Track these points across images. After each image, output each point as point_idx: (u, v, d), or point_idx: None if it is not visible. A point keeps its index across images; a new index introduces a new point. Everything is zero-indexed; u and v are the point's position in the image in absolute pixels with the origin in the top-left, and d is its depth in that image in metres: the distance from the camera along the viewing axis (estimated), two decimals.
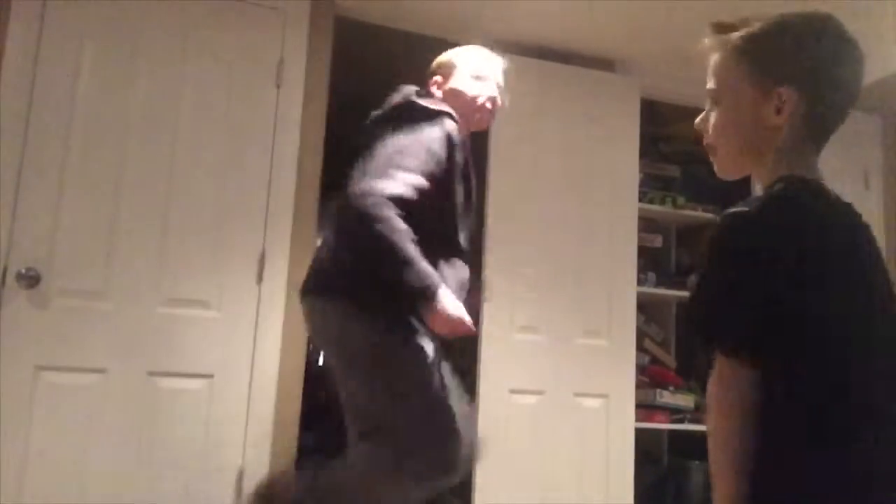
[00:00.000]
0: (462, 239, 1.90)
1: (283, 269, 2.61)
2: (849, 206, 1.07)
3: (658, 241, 3.69)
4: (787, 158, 1.09)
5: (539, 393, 2.97)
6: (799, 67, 1.07)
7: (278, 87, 2.69)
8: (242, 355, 2.54)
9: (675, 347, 3.75)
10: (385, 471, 1.71)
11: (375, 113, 1.99)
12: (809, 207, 1.01)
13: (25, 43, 2.40)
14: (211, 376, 2.49)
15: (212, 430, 2.47)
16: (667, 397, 3.38)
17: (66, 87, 2.43)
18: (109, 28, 2.50)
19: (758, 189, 1.15)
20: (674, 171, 3.70)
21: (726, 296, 0.97)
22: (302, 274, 1.91)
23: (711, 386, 0.97)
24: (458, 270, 1.85)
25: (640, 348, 3.40)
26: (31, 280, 2.31)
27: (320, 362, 4.16)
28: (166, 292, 2.48)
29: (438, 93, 2.01)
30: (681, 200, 3.57)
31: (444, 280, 1.73)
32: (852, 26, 1.12)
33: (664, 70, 3.38)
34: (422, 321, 1.73)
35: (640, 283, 3.25)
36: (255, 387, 2.53)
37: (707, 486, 3.42)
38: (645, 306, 3.52)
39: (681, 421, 3.39)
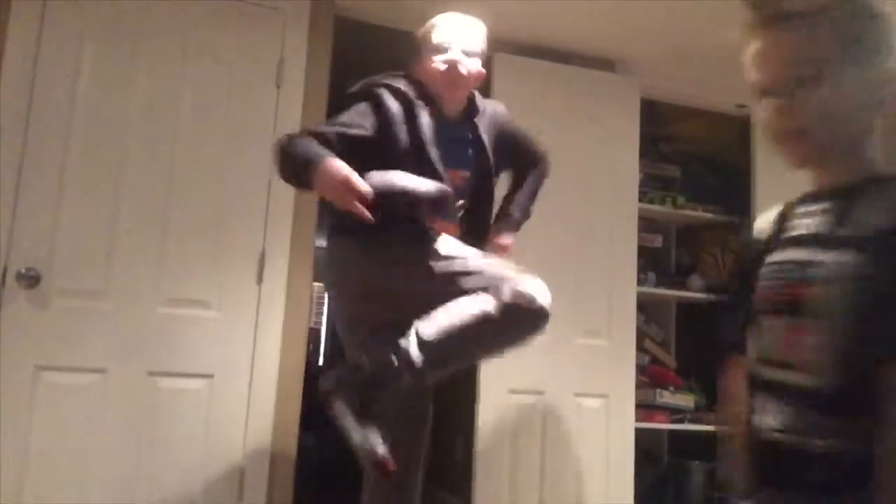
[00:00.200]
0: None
1: (283, 269, 2.61)
2: None
3: (658, 241, 3.69)
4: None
5: (539, 393, 2.97)
6: None
7: (278, 87, 2.69)
8: (242, 355, 2.54)
9: (675, 347, 3.76)
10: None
11: None
12: None
13: (25, 43, 2.40)
14: (211, 376, 2.49)
15: (212, 430, 2.47)
16: (667, 397, 3.38)
17: (66, 87, 2.43)
18: (109, 28, 2.50)
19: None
20: (674, 171, 3.70)
21: None
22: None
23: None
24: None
25: (640, 348, 3.41)
26: (31, 280, 2.31)
27: (320, 362, 4.16)
28: (166, 292, 2.48)
29: (418, 74, 2.00)
30: (681, 200, 3.57)
31: (399, 234, 1.82)
32: None
33: (664, 70, 3.38)
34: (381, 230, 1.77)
35: (640, 283, 3.25)
36: (255, 387, 2.53)
37: (707, 487, 3.43)
38: (645, 306, 3.52)
39: (681, 421, 3.40)
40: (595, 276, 3.10)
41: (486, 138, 2.03)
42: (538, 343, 3.02)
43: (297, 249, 2.63)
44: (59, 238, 2.38)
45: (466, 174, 2.00)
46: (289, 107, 2.69)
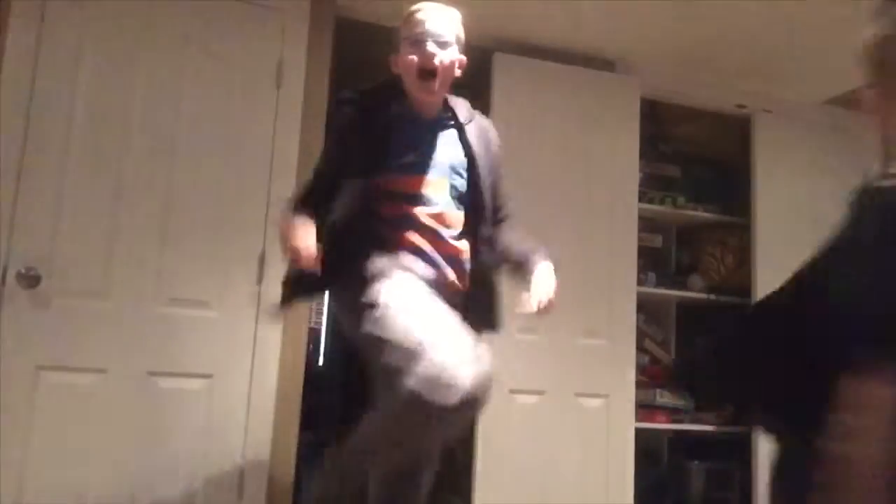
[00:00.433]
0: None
1: (283, 270, 2.61)
2: None
3: (658, 241, 3.69)
4: None
5: (539, 393, 2.97)
6: None
7: (278, 87, 2.69)
8: (242, 355, 2.54)
9: (675, 347, 3.76)
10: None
11: None
12: None
13: (25, 43, 2.40)
14: (211, 376, 2.49)
15: (212, 430, 2.47)
16: (667, 397, 3.39)
17: (66, 87, 2.43)
18: (109, 28, 2.50)
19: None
20: (674, 171, 3.70)
21: None
22: None
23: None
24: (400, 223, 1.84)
25: (640, 348, 3.41)
26: (31, 280, 2.31)
27: (320, 362, 4.16)
28: (166, 292, 2.47)
29: (395, 66, 1.97)
30: (681, 200, 3.57)
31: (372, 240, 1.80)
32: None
33: (664, 70, 3.38)
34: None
35: (640, 283, 3.25)
36: (255, 387, 2.53)
37: (706, 486, 3.43)
38: (645, 306, 3.52)
39: (681, 421, 3.40)
40: (595, 276, 3.10)
41: (476, 148, 1.97)
42: (538, 343, 3.04)
43: None
44: (59, 238, 2.37)
45: (438, 178, 1.90)
46: (289, 107, 2.69)
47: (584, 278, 3.08)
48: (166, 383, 2.44)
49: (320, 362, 4.20)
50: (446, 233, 1.87)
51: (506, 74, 3.07)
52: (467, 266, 1.91)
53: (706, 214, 3.63)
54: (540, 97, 3.11)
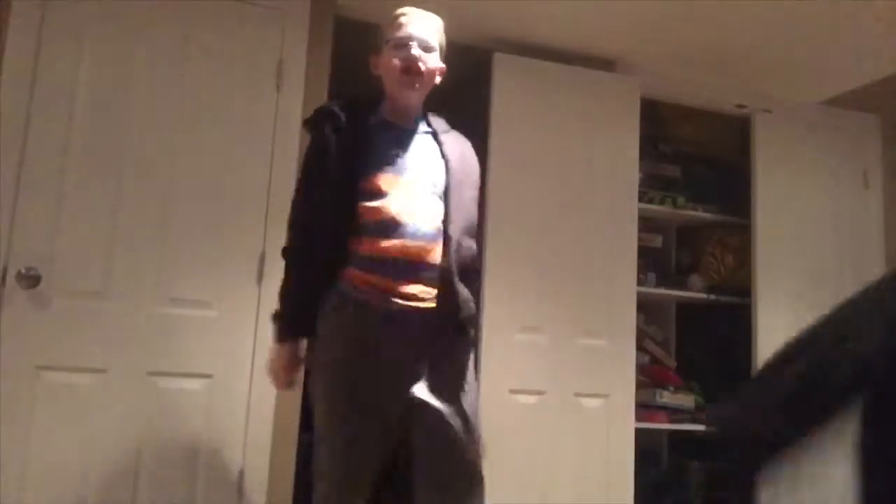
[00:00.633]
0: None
1: (282, 270, 2.61)
2: None
3: (658, 241, 3.69)
4: None
5: (539, 393, 2.97)
6: None
7: (278, 87, 2.69)
8: (242, 355, 2.54)
9: (675, 347, 3.76)
10: None
11: None
12: None
13: (25, 43, 2.40)
14: (211, 376, 2.49)
15: (212, 430, 2.47)
16: (667, 397, 3.38)
17: (66, 87, 2.43)
18: (109, 28, 2.50)
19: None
20: (674, 171, 3.70)
21: None
22: None
23: None
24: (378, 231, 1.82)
25: (640, 348, 3.40)
26: (31, 280, 2.31)
27: None
28: (166, 292, 2.48)
29: (376, 69, 1.98)
30: (681, 200, 3.57)
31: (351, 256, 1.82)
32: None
33: (664, 70, 3.38)
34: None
35: (640, 283, 3.25)
36: (255, 387, 2.53)
37: (706, 486, 3.43)
38: (645, 306, 3.52)
39: (681, 421, 3.39)
40: (595, 276, 3.10)
41: (451, 155, 1.95)
42: (538, 343, 3.05)
43: None
44: (59, 238, 2.38)
45: (406, 178, 1.89)
46: (289, 107, 2.69)
47: (584, 278, 3.08)
48: (166, 383, 2.44)
49: None
50: (418, 234, 1.84)
51: (506, 74, 3.07)
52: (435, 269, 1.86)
53: (706, 214, 3.63)
54: (540, 97, 3.11)
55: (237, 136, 2.62)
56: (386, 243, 1.80)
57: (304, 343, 1.90)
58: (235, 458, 2.49)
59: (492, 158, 3.00)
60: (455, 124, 2.09)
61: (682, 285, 3.58)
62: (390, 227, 1.82)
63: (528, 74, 3.11)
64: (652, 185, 3.54)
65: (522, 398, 2.94)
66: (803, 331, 0.73)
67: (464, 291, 1.88)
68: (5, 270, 2.31)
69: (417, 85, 1.91)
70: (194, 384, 2.48)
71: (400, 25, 1.93)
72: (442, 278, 1.84)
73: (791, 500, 0.75)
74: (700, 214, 3.62)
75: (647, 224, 3.51)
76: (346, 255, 1.83)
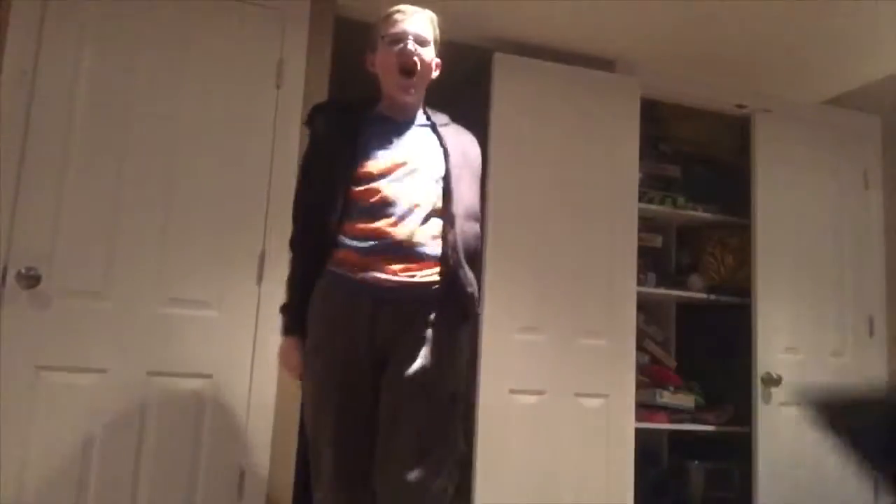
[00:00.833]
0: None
1: (283, 270, 2.60)
2: None
3: (658, 241, 3.69)
4: None
5: (539, 393, 2.97)
6: None
7: (278, 87, 2.69)
8: (242, 355, 2.54)
9: (675, 347, 3.76)
10: None
11: None
12: None
13: (25, 43, 2.40)
14: (211, 376, 2.49)
15: (212, 430, 2.47)
16: (667, 397, 3.38)
17: (66, 87, 2.43)
18: (109, 28, 2.50)
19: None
20: (674, 171, 3.70)
21: None
22: None
23: None
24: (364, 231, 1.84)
25: (640, 348, 3.41)
26: (31, 280, 2.31)
27: None
28: (166, 292, 2.48)
29: (372, 66, 1.99)
30: (681, 200, 3.57)
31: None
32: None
33: (664, 70, 3.38)
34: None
35: (640, 283, 3.25)
36: (255, 387, 2.53)
37: (706, 486, 3.43)
38: (645, 306, 3.52)
39: (681, 421, 3.40)
40: (595, 276, 3.10)
41: (450, 144, 1.97)
42: (538, 343, 3.04)
43: None
44: (59, 238, 2.38)
45: (399, 162, 1.90)
46: (289, 107, 2.69)
47: (584, 278, 3.08)
48: (166, 383, 2.44)
49: None
50: (411, 215, 1.85)
51: (506, 74, 3.07)
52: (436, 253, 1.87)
53: (706, 214, 3.63)
54: (540, 97, 3.11)
55: (237, 136, 2.61)
56: (378, 224, 1.82)
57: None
58: (235, 458, 2.49)
59: (492, 158, 2.99)
60: (455, 123, 2.09)
61: (682, 285, 3.58)
62: (382, 207, 1.84)
63: (528, 74, 3.11)
64: (652, 185, 3.55)
65: (522, 398, 2.94)
66: None
67: (469, 273, 1.89)
68: (5, 270, 2.31)
69: (413, 90, 1.95)
70: (194, 384, 2.47)
71: (395, 22, 1.94)
72: (444, 257, 1.85)
73: None
74: (700, 214, 3.62)
75: (647, 224, 3.51)
76: (340, 241, 1.85)
